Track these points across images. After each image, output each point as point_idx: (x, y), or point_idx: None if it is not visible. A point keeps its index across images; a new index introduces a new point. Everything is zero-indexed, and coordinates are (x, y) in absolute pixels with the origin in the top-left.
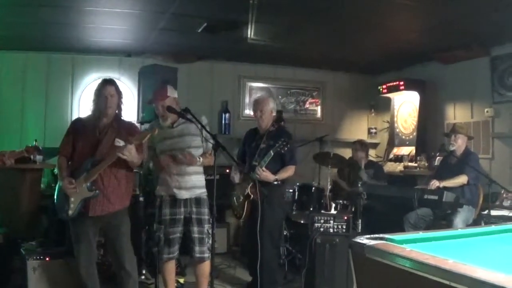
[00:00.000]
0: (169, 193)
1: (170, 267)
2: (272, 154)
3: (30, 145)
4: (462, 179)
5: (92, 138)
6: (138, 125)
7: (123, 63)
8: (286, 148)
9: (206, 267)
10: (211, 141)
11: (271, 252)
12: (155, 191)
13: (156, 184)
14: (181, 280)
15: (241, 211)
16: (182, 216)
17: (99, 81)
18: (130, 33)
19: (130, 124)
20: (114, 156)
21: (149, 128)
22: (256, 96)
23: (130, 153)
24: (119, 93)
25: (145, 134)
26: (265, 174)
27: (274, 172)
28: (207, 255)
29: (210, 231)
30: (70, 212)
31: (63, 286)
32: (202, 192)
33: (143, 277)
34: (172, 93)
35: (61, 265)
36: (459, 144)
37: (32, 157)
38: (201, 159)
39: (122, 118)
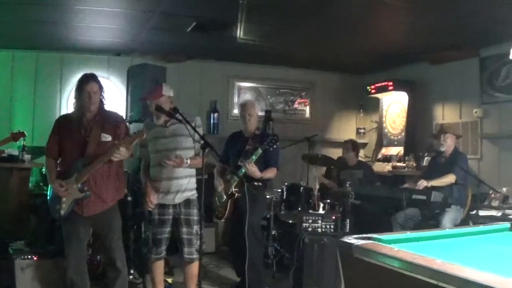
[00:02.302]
0: (158, 200)
1: (159, 267)
2: (261, 151)
3: (15, 131)
4: (449, 179)
5: (78, 137)
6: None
7: (112, 62)
8: (275, 146)
9: (194, 267)
10: (198, 139)
11: (257, 250)
12: (144, 195)
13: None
14: (170, 280)
15: (223, 211)
16: (170, 217)
17: (80, 77)
18: (120, 32)
19: (115, 116)
20: (105, 158)
21: (144, 127)
22: (243, 99)
23: (121, 155)
24: (101, 88)
25: (134, 138)
26: (253, 169)
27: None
28: (195, 256)
29: (199, 231)
30: (62, 211)
31: (52, 286)
32: (192, 193)
33: (131, 276)
34: (167, 91)
35: (49, 265)
36: (448, 144)
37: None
38: (189, 161)
39: (105, 110)
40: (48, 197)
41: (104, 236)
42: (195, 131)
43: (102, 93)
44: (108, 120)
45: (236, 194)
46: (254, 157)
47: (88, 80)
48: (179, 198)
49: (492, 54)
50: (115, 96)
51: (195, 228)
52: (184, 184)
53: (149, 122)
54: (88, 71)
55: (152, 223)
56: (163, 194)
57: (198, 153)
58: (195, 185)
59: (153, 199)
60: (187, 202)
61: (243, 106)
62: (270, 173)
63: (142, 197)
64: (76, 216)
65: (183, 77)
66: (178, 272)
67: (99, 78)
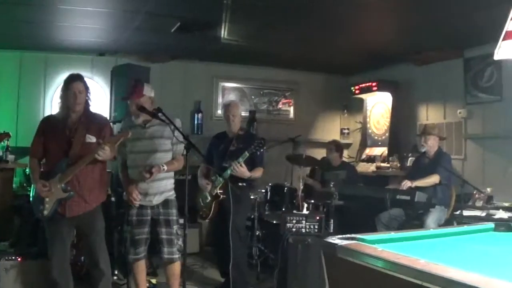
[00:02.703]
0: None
1: (140, 268)
2: (248, 155)
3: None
4: (433, 179)
5: (63, 137)
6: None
7: (96, 62)
8: (262, 150)
9: (176, 267)
10: (181, 139)
11: (241, 250)
12: (123, 196)
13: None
14: (153, 281)
15: (208, 211)
16: (149, 218)
17: (66, 77)
18: (104, 32)
19: (100, 118)
20: (89, 158)
21: (122, 126)
22: (227, 99)
23: (105, 154)
24: (86, 88)
25: (118, 137)
26: (243, 170)
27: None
28: (176, 256)
29: (179, 231)
30: (45, 212)
31: (36, 287)
32: (170, 194)
33: (115, 277)
34: (148, 92)
35: (33, 266)
36: (430, 145)
37: (4, 154)
38: (165, 167)
39: (91, 111)
40: (30, 198)
41: (87, 236)
42: (179, 131)
43: (88, 93)
44: (93, 121)
45: (221, 196)
46: (241, 159)
47: (74, 80)
48: (157, 199)
49: (476, 55)
50: (99, 96)
51: (175, 228)
52: (162, 186)
53: (128, 121)
54: (72, 71)
55: (130, 224)
56: (141, 196)
57: (178, 154)
58: (173, 186)
59: (136, 195)
60: (166, 203)
61: (227, 107)
62: (258, 173)
63: (123, 198)
64: (60, 217)
65: (167, 77)
66: (162, 273)
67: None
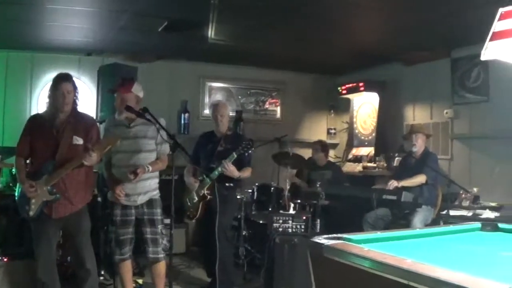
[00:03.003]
0: (120, 202)
1: (126, 268)
2: (235, 156)
3: None
4: (420, 179)
5: (50, 137)
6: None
7: (83, 61)
8: (250, 151)
9: (161, 267)
10: (166, 138)
11: (228, 251)
12: (108, 195)
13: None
14: (140, 281)
15: (195, 212)
16: (133, 218)
17: (55, 76)
18: (90, 32)
19: (87, 119)
20: (76, 163)
21: (106, 125)
22: (215, 99)
23: (92, 160)
24: (75, 88)
25: (107, 144)
26: (232, 169)
27: None
28: (161, 255)
29: (164, 231)
30: (31, 213)
31: (22, 287)
32: (154, 194)
33: (101, 277)
34: (136, 90)
35: (20, 266)
36: (419, 144)
37: None
38: (150, 167)
39: (78, 111)
40: (16, 196)
41: (73, 237)
42: (165, 131)
43: (76, 93)
44: (81, 122)
45: (209, 196)
46: (228, 161)
47: (63, 80)
48: (142, 199)
49: (463, 55)
50: (85, 96)
51: (160, 227)
52: (147, 185)
53: (113, 119)
54: (59, 70)
55: (114, 224)
56: (126, 195)
57: (162, 154)
58: (157, 185)
59: (120, 191)
60: (150, 202)
61: (215, 107)
62: (247, 173)
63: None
64: (46, 217)
65: (154, 77)
66: (149, 273)
67: None
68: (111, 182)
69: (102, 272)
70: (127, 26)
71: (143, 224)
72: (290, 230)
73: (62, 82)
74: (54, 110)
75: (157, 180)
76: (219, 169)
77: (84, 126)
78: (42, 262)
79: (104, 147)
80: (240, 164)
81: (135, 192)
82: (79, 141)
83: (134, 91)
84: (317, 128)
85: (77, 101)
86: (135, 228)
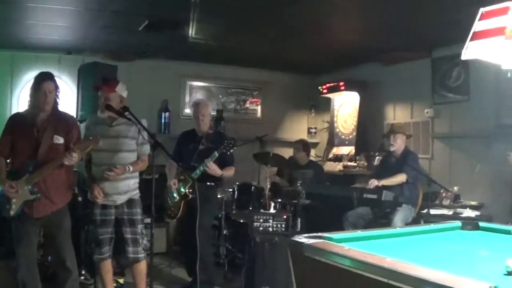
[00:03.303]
0: (100, 202)
1: (106, 267)
2: (217, 155)
3: None
4: (400, 178)
5: (31, 136)
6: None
7: (63, 60)
8: (231, 150)
9: (142, 267)
10: (147, 138)
11: (208, 250)
12: (88, 195)
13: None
14: (121, 281)
15: (176, 211)
16: (113, 217)
17: (37, 75)
18: (71, 31)
19: (68, 118)
20: (57, 163)
21: (87, 123)
22: (196, 99)
23: (73, 160)
24: (56, 88)
25: (88, 144)
26: (214, 167)
27: None
28: (141, 255)
29: (144, 231)
30: (12, 212)
31: (3, 287)
32: (134, 194)
33: (82, 277)
34: (120, 90)
35: (1, 266)
36: (399, 144)
37: None
38: (131, 168)
39: (59, 111)
40: None
41: (54, 236)
42: (146, 130)
43: (57, 93)
44: (61, 121)
45: (190, 195)
46: (210, 159)
47: (45, 79)
48: (121, 199)
49: (444, 55)
50: (66, 95)
51: (139, 227)
52: (126, 185)
53: (95, 116)
54: (39, 69)
55: (94, 224)
56: (106, 195)
57: (143, 154)
58: (137, 185)
59: (98, 193)
60: (130, 202)
61: (196, 106)
62: (230, 172)
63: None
64: (26, 217)
65: (134, 76)
66: (129, 272)
67: None
68: (90, 181)
69: (83, 272)
70: (108, 25)
71: (123, 224)
72: (270, 229)
73: (44, 81)
74: (35, 109)
75: (137, 180)
76: (201, 168)
77: (65, 125)
78: (23, 262)
79: (85, 148)
80: (222, 163)
81: (115, 192)
82: (60, 140)
83: (118, 91)
84: (298, 128)
85: (58, 100)
86: (115, 228)
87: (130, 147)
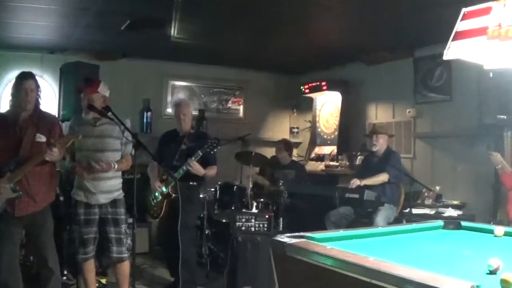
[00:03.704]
0: (84, 199)
1: (89, 267)
2: (201, 154)
3: None
4: (382, 177)
5: (13, 135)
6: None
7: (45, 60)
8: (215, 150)
9: (125, 267)
10: (130, 139)
11: (191, 250)
12: (71, 193)
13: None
14: (103, 281)
15: (159, 210)
16: (97, 217)
17: (18, 74)
18: (53, 30)
19: (50, 117)
20: (38, 159)
21: (71, 123)
22: (177, 98)
23: (54, 155)
24: (37, 87)
25: (68, 139)
26: (197, 167)
27: None
28: (125, 255)
29: (128, 231)
30: None
31: None
32: (118, 193)
33: (64, 277)
34: (103, 90)
35: None
36: (381, 144)
37: None
38: (116, 165)
39: (41, 110)
40: None
41: (36, 236)
42: (128, 130)
43: (39, 92)
44: (44, 121)
45: (173, 195)
46: (193, 159)
47: (25, 78)
48: (105, 198)
49: (426, 55)
50: (48, 94)
51: (123, 227)
52: (110, 185)
53: (78, 118)
54: (21, 69)
55: (78, 223)
56: (89, 194)
57: (127, 154)
58: (121, 185)
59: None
60: (114, 202)
61: (177, 106)
62: (213, 171)
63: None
64: (8, 216)
65: (116, 76)
66: (112, 272)
67: None
68: (78, 167)
69: (65, 272)
70: (90, 24)
71: (107, 223)
72: (253, 229)
73: (24, 80)
74: (17, 109)
75: (120, 180)
76: (184, 167)
77: (47, 124)
78: (5, 262)
79: (65, 142)
80: (205, 163)
81: (99, 191)
82: (42, 139)
83: (100, 91)
84: (280, 127)
85: (39, 99)
86: (99, 227)
87: (114, 147)
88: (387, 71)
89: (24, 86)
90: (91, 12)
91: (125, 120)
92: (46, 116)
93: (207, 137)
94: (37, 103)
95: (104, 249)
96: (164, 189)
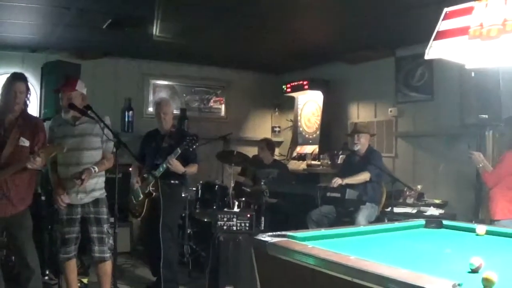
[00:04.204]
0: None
1: (71, 267)
2: (179, 151)
3: None
4: (364, 176)
5: None
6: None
7: (27, 59)
8: (194, 146)
9: (107, 266)
10: (111, 138)
11: (172, 249)
12: (53, 194)
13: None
14: (85, 280)
15: (140, 209)
16: (79, 216)
17: (8, 75)
18: (35, 28)
19: (35, 121)
20: (20, 166)
21: (51, 124)
22: (158, 97)
23: (36, 164)
24: (27, 89)
25: (52, 150)
26: (176, 164)
27: None
28: (107, 254)
29: (110, 230)
30: None
31: None
32: (101, 193)
33: (46, 277)
34: (80, 87)
35: None
36: (362, 143)
37: None
38: (96, 168)
39: (28, 113)
40: None
41: (15, 236)
42: (109, 129)
43: (28, 95)
44: (29, 124)
45: (154, 194)
46: (173, 156)
47: (17, 79)
48: (87, 198)
49: (407, 54)
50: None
51: (106, 226)
52: (93, 184)
53: (58, 118)
54: (2, 68)
55: (60, 223)
56: (73, 194)
57: (108, 152)
58: (103, 185)
59: (64, 198)
60: (96, 201)
61: (158, 105)
62: (193, 168)
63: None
64: None
65: (98, 74)
66: (94, 272)
67: None
68: (56, 186)
69: (47, 272)
70: (72, 23)
71: (89, 223)
72: (234, 228)
73: (16, 82)
74: (4, 109)
75: (103, 179)
76: (164, 165)
77: (32, 129)
78: None
79: (49, 153)
80: (185, 160)
81: (81, 191)
82: (25, 143)
83: (78, 89)
84: (262, 126)
85: (28, 102)
86: (80, 227)
87: (95, 145)
88: (368, 71)
89: (14, 87)
90: (72, 10)
91: (104, 117)
92: (32, 120)
93: (187, 134)
94: (24, 106)
95: (86, 248)
96: (139, 188)
